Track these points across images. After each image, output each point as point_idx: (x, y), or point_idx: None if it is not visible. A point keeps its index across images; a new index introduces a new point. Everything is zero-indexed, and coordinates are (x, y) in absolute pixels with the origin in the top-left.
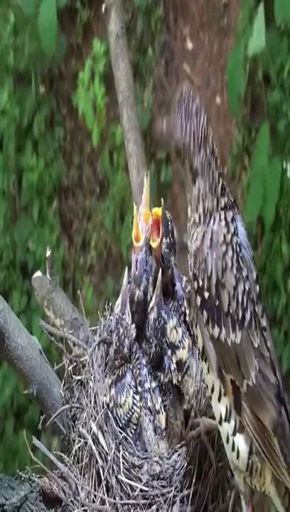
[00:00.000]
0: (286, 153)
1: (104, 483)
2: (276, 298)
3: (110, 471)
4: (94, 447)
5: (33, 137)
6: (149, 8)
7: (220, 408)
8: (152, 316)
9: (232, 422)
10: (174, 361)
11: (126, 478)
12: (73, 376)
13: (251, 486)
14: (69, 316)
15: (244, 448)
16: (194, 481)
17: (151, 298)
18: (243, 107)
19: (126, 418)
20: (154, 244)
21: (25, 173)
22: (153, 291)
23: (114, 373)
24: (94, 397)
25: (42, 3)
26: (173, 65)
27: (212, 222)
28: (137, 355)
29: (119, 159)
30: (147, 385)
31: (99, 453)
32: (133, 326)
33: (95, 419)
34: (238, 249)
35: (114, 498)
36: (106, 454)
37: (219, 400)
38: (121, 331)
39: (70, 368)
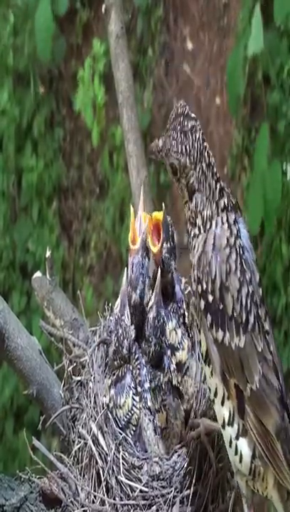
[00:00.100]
0: (286, 154)
1: (103, 483)
2: (276, 298)
3: (110, 471)
4: (94, 448)
5: (32, 138)
6: (149, 8)
7: (223, 412)
8: (151, 314)
9: (235, 425)
10: (174, 362)
11: (126, 478)
12: (73, 377)
13: (254, 490)
14: (69, 317)
15: (247, 452)
16: (194, 481)
17: (150, 297)
18: (243, 107)
19: (125, 419)
20: (154, 249)
21: (24, 173)
22: (151, 292)
23: (114, 374)
24: (94, 397)
25: (38, 7)
26: (173, 66)
27: (214, 226)
28: (137, 356)
29: (119, 160)
30: (147, 385)
31: (99, 454)
32: (133, 326)
33: (95, 419)
34: (241, 252)
35: (114, 499)
36: (106, 454)
37: (222, 403)
38: (120, 331)
39: (70, 368)
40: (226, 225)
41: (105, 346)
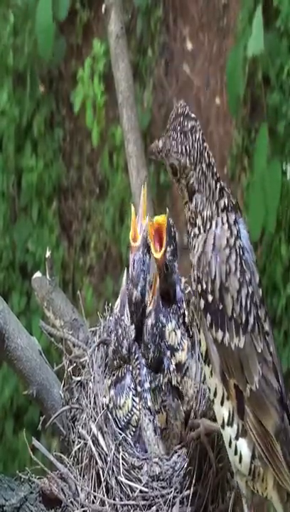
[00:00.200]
0: (285, 155)
1: (103, 484)
2: (276, 299)
3: (110, 472)
4: (93, 448)
5: (32, 138)
6: (149, 8)
7: (223, 412)
8: (149, 321)
9: (235, 426)
10: (173, 363)
11: (126, 479)
12: (73, 377)
13: (254, 490)
14: (69, 317)
15: (246, 452)
16: (194, 482)
17: (149, 303)
18: (243, 107)
19: (125, 420)
20: (157, 256)
21: (24, 173)
22: (150, 297)
23: (114, 374)
24: (94, 398)
25: (38, 7)
26: (173, 66)
27: (214, 226)
28: (137, 356)
29: (119, 160)
30: (147, 385)
31: (99, 454)
32: (133, 327)
33: (95, 420)
34: (241, 253)
35: (114, 499)
36: (106, 455)
37: (222, 403)
38: (120, 331)
39: (70, 368)
40: (226, 226)
41: (105, 347)
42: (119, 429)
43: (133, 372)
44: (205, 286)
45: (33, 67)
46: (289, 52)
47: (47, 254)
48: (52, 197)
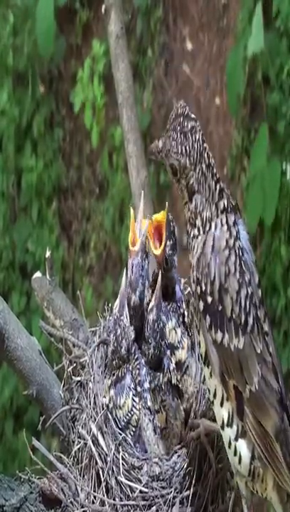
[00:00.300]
0: (285, 155)
1: (103, 484)
2: (276, 299)
3: (110, 472)
4: (93, 448)
5: (32, 138)
6: (149, 8)
7: (222, 413)
8: (151, 316)
9: (235, 427)
10: (173, 361)
11: (126, 479)
12: (73, 377)
13: (253, 491)
14: (68, 317)
15: (246, 453)
16: (194, 482)
17: (151, 299)
18: (242, 107)
19: (125, 420)
20: (157, 252)
21: (24, 173)
22: (151, 294)
23: (114, 374)
24: (94, 398)
25: (38, 5)
26: (173, 66)
27: (213, 228)
28: (136, 356)
29: (119, 160)
30: (146, 385)
31: (99, 454)
32: (132, 327)
33: (95, 420)
34: (241, 254)
35: (114, 499)
36: (106, 455)
37: (221, 404)
38: (119, 331)
39: (70, 368)
40: (225, 227)
41: (105, 347)
42: (119, 429)
43: (133, 372)
44: (204, 288)
45: (33, 67)
46: (289, 52)
47: (47, 254)
48: (52, 197)
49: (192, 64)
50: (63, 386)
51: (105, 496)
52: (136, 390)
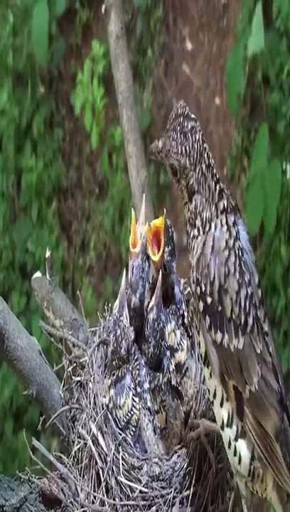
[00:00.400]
0: (285, 155)
1: (103, 484)
2: (276, 299)
3: (110, 472)
4: (93, 448)
5: (32, 138)
6: (149, 9)
7: (222, 413)
8: (151, 315)
9: (234, 427)
10: (173, 363)
11: (126, 479)
12: (73, 377)
13: (253, 491)
14: (68, 317)
15: (246, 453)
16: (193, 482)
17: (151, 299)
18: (242, 107)
19: (125, 420)
20: (155, 258)
21: (24, 173)
22: (151, 295)
23: (114, 374)
24: (94, 398)
25: (35, 10)
26: (173, 66)
27: (213, 228)
28: (136, 356)
29: (119, 160)
30: (146, 385)
31: (99, 454)
32: (132, 328)
33: (95, 420)
34: (240, 254)
35: (114, 499)
36: (106, 455)
37: (221, 405)
38: (119, 332)
39: (70, 368)
40: (225, 228)
41: (105, 347)
42: (119, 429)
43: (133, 372)
44: (203, 288)
45: (32, 68)
46: (289, 52)
47: (47, 254)
48: (51, 197)
49: (192, 64)
50: (63, 386)
51: (105, 496)
52: (136, 390)
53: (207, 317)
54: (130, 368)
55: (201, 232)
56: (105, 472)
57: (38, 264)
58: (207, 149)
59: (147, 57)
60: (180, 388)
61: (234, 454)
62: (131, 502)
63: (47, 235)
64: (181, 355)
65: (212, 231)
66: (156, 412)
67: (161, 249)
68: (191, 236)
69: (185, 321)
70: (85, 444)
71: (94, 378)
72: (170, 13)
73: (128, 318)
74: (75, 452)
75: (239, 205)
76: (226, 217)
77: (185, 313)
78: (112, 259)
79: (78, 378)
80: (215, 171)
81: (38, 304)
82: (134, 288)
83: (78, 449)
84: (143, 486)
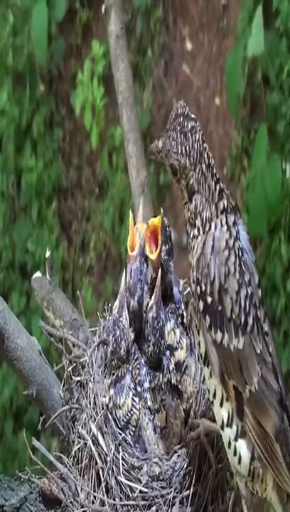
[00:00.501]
0: (285, 154)
1: (103, 484)
2: (276, 299)
3: (110, 472)
4: (93, 448)
5: (32, 138)
6: (149, 9)
7: (222, 413)
8: (151, 314)
9: (234, 427)
10: (173, 362)
11: (126, 479)
12: (73, 377)
13: (253, 491)
14: (68, 317)
15: (245, 453)
16: (193, 482)
17: (151, 297)
18: (242, 108)
19: (125, 419)
20: (152, 256)
21: (24, 173)
22: (150, 295)
23: (113, 374)
24: (94, 398)
25: (35, 10)
26: (173, 66)
27: (213, 228)
28: (136, 356)
29: (119, 160)
30: (146, 385)
31: (99, 454)
32: (132, 328)
33: (95, 420)
34: (240, 254)
35: (114, 499)
36: (106, 455)
37: (221, 405)
38: (118, 332)
39: (70, 368)
40: (225, 227)
41: (105, 347)
42: (119, 429)
43: (133, 372)
44: (204, 288)
45: (32, 67)
46: (289, 53)
47: (47, 254)
48: (51, 197)
49: (192, 64)
50: (63, 386)
51: (105, 496)
52: (135, 389)
53: (207, 317)
54: (130, 368)
55: (201, 232)
56: (105, 472)
57: (38, 264)
58: (207, 149)
59: (147, 57)
60: (179, 386)
61: (234, 454)
62: (131, 502)
63: (47, 235)
64: (181, 354)
65: (212, 231)
66: (156, 412)
67: (159, 248)
68: (191, 236)
69: (185, 321)
70: (85, 444)
71: (94, 378)
72: (170, 13)
73: (127, 319)
74: (75, 452)
75: (239, 205)
76: (226, 217)
77: (185, 313)
78: (112, 259)
79: (78, 378)
80: (214, 170)
81: (38, 303)
82: (132, 291)
83: (78, 449)
84: (143, 486)
